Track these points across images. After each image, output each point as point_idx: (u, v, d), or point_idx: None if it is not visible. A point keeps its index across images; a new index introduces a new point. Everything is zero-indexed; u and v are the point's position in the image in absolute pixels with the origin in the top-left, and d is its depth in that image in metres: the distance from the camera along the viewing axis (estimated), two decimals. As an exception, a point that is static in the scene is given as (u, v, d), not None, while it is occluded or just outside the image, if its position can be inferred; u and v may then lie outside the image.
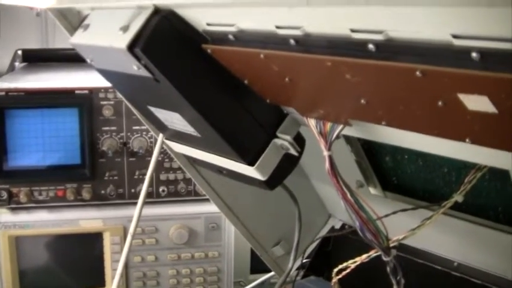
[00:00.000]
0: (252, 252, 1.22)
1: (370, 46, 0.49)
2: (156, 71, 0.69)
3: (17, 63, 1.67)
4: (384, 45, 0.48)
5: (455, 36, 0.42)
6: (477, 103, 0.45)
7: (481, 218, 0.88)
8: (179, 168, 1.28)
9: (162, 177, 1.38)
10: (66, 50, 1.63)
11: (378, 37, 0.48)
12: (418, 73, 0.45)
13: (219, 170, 0.88)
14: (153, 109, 0.84)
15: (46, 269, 1.37)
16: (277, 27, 0.57)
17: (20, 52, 1.69)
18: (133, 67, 0.71)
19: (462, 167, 0.86)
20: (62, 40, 0.83)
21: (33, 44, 1.99)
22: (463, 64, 0.42)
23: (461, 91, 0.45)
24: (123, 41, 0.68)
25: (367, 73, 0.51)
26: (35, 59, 1.72)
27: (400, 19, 0.45)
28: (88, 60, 0.85)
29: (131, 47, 0.68)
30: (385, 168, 1.00)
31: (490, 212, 0.87)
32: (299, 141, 0.79)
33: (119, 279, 0.95)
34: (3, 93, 1.28)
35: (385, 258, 0.75)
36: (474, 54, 0.42)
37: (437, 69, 0.44)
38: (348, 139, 0.96)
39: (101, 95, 1.31)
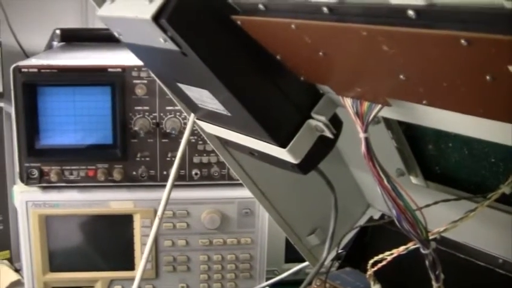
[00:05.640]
0: (287, 241, 1.19)
1: (410, 12, 0.44)
2: (183, 44, 0.66)
3: (55, 43, 1.66)
4: (425, 11, 0.43)
5: (508, -2, 0.37)
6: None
7: (530, 212, 0.82)
8: (213, 151, 1.24)
9: (195, 159, 1.34)
10: (104, 30, 1.62)
11: (419, 1, 0.43)
12: (463, 42, 0.40)
13: (251, 152, 0.85)
14: (182, 86, 0.81)
15: (75, 250, 1.35)
16: (310, -6, 0.53)
17: (58, 31, 1.68)
18: (160, 40, 0.68)
19: (511, 157, 0.80)
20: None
21: (73, 24, 1.98)
22: (515, 30, 0.37)
23: (513, 62, 0.40)
24: (148, 11, 0.65)
25: (406, 43, 0.46)
26: (73, 38, 1.71)
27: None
28: (116, 34, 0.82)
29: (157, 18, 0.65)
30: (427, 156, 0.95)
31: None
32: (335, 123, 0.75)
33: (145, 262, 0.93)
34: (35, 70, 1.26)
35: (423, 251, 0.71)
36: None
37: (485, 36, 0.39)
38: (389, 124, 0.92)
39: (134, 74, 1.28)
